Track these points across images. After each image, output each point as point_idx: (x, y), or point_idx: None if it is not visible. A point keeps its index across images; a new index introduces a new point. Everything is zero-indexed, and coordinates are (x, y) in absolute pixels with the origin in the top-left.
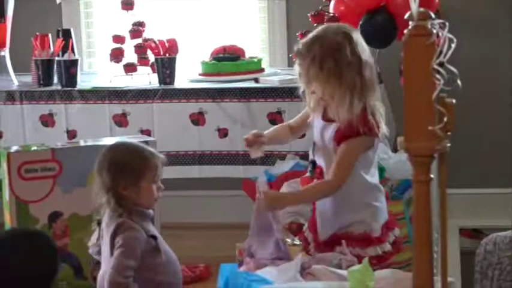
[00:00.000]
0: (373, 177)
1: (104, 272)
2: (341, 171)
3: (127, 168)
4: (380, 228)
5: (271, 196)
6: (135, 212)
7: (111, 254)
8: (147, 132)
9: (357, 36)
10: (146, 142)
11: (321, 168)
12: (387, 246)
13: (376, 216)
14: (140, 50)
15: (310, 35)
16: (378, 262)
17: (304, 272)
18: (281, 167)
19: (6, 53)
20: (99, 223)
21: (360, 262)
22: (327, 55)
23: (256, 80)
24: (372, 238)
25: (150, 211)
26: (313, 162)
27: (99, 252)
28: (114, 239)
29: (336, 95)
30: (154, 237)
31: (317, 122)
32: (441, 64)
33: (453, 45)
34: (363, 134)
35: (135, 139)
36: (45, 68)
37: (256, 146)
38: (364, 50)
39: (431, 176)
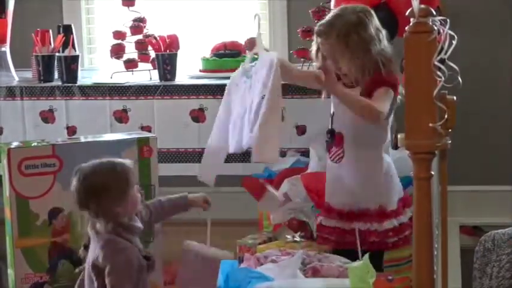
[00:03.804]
0: (385, 152)
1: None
2: (382, 103)
3: (111, 186)
4: (396, 202)
5: (331, 78)
6: (125, 226)
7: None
8: (148, 129)
9: (373, 12)
10: (147, 138)
11: (341, 134)
12: (404, 219)
13: (390, 189)
14: (141, 46)
15: (329, 15)
16: (395, 234)
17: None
18: (281, 164)
19: (6, 48)
20: (85, 247)
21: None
22: (351, 31)
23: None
24: (387, 212)
25: (140, 225)
26: (332, 131)
27: None
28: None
29: (366, 69)
30: (147, 258)
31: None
32: (442, 61)
33: (454, 42)
34: (389, 87)
35: (135, 135)
36: (46, 63)
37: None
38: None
39: (432, 173)
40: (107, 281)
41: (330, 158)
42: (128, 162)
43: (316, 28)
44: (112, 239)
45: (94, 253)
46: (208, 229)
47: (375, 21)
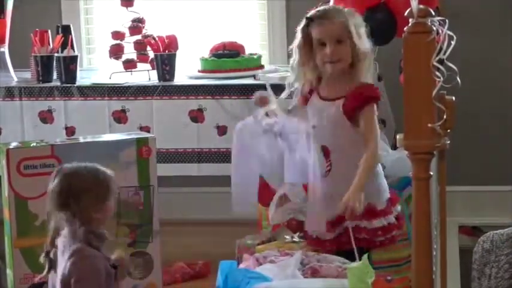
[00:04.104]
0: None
1: None
2: (373, 138)
3: (92, 190)
4: (385, 202)
5: (352, 200)
6: (96, 234)
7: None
8: (146, 129)
9: None
10: (146, 138)
11: (326, 147)
12: (392, 219)
13: (379, 188)
14: (140, 46)
15: (322, 7)
16: (383, 233)
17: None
18: None
19: (5, 49)
20: (47, 254)
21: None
22: (353, 15)
23: (256, 77)
24: (376, 211)
25: (105, 232)
26: (323, 147)
27: None
28: (68, 265)
29: (368, 55)
30: (115, 266)
31: (315, 102)
32: (441, 61)
33: (453, 43)
34: (373, 102)
35: (134, 136)
36: (45, 64)
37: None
38: None
39: (431, 173)
40: None
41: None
42: (109, 171)
43: (314, 13)
44: (80, 248)
45: (62, 269)
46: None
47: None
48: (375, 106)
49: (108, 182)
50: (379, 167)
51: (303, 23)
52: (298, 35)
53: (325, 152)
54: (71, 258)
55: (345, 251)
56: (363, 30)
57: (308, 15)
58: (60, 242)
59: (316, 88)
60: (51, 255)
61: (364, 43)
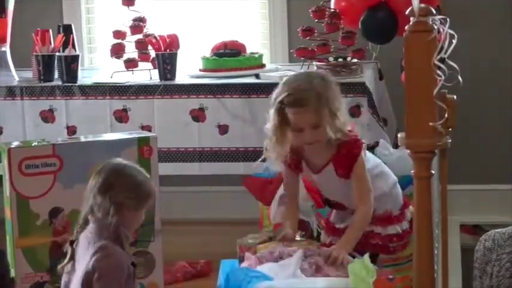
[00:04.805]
0: (379, 165)
1: None
2: (366, 195)
3: (136, 191)
4: (400, 208)
5: (336, 253)
6: (123, 234)
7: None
8: (148, 128)
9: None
10: (147, 138)
11: (340, 204)
12: (406, 225)
13: (395, 196)
14: (141, 45)
15: (292, 83)
16: (398, 240)
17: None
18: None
19: (6, 48)
20: (71, 243)
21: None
22: (327, 89)
23: (257, 76)
24: (392, 217)
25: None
26: (328, 202)
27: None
28: (92, 261)
29: (344, 127)
30: (134, 265)
31: (309, 173)
32: (442, 60)
33: (454, 41)
34: (358, 154)
35: (135, 135)
36: (46, 63)
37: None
38: None
39: (432, 171)
40: (95, 286)
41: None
42: (155, 189)
43: (286, 99)
44: (105, 245)
45: (85, 265)
46: None
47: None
48: (362, 158)
49: (148, 196)
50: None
51: (276, 106)
52: (273, 117)
53: (340, 206)
54: (96, 255)
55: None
56: (338, 96)
57: (279, 98)
58: (83, 237)
59: (299, 158)
60: (75, 245)
61: (341, 114)
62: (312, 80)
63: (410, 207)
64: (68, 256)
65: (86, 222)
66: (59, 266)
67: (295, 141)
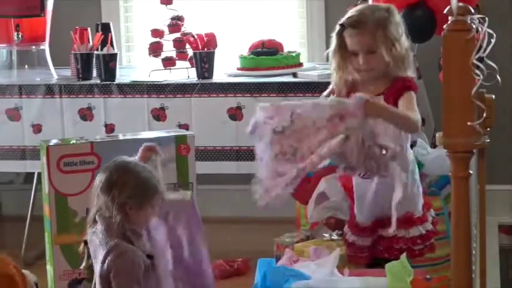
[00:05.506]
0: (411, 154)
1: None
2: (415, 112)
3: (139, 190)
4: (421, 209)
5: (370, 104)
6: (129, 231)
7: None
8: (185, 127)
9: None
10: (185, 136)
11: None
12: (429, 225)
13: (417, 195)
14: (179, 44)
15: (356, 9)
16: (422, 241)
17: None
18: None
19: (45, 46)
20: (85, 243)
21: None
22: (387, 20)
23: (295, 75)
24: (414, 219)
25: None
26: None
27: None
28: (107, 261)
29: (400, 61)
30: (150, 257)
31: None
32: (481, 59)
33: (493, 41)
34: (410, 90)
35: (172, 133)
36: (84, 61)
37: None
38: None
39: (470, 171)
40: (113, 285)
41: (359, 175)
42: (162, 185)
43: (346, 21)
44: (116, 244)
45: (100, 264)
46: None
47: (400, 19)
48: (413, 93)
49: (153, 194)
50: (417, 175)
51: (337, 28)
52: (333, 40)
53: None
54: (109, 254)
55: (382, 258)
56: (400, 31)
57: (341, 21)
58: (94, 237)
59: (354, 89)
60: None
61: (400, 45)
62: (375, 8)
63: (431, 209)
64: (86, 256)
65: (94, 222)
66: (82, 266)
67: (352, 66)
